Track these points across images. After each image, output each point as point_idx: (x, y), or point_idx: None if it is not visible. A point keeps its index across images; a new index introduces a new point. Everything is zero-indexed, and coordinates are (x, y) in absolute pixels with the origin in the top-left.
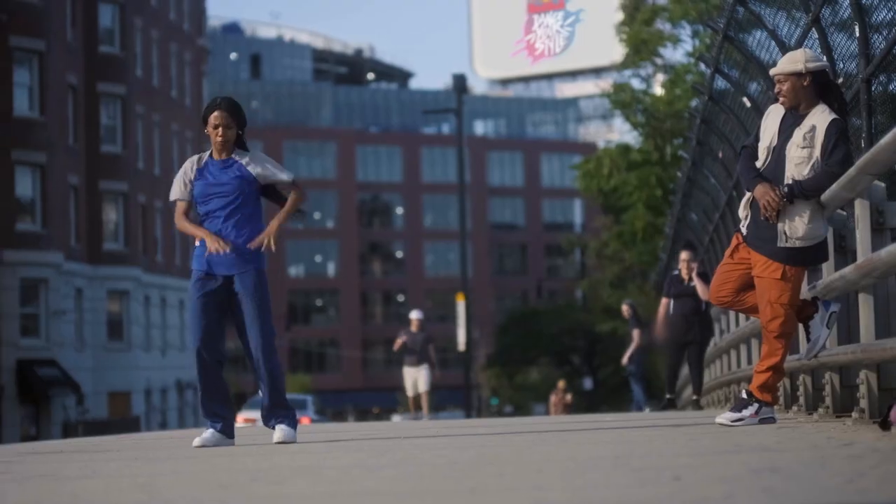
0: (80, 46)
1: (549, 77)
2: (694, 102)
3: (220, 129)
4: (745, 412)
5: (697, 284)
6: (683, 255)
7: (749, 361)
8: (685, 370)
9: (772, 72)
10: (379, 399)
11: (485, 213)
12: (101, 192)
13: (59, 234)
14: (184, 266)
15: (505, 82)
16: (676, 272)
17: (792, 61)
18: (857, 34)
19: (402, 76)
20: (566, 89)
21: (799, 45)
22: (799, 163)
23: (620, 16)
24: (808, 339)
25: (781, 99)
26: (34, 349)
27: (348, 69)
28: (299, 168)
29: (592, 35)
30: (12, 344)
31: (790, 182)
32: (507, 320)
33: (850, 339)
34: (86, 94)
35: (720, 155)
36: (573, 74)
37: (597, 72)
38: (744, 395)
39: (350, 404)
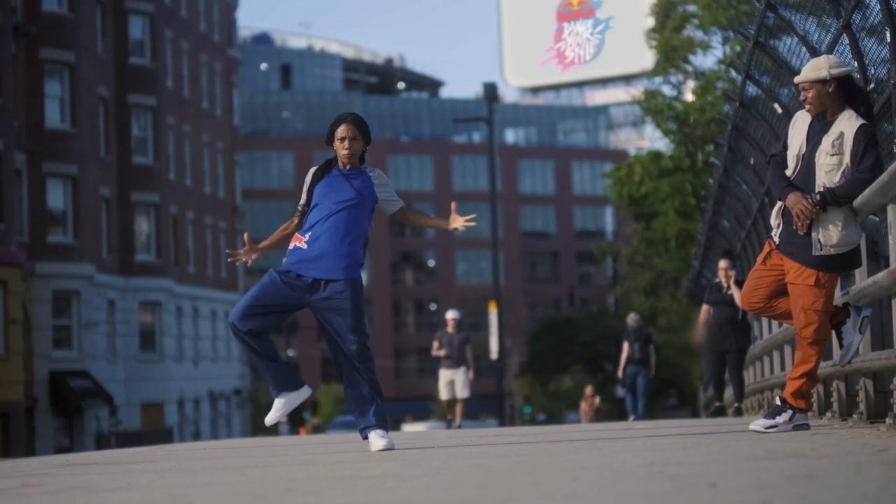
0: (110, 58)
1: (580, 85)
2: (725, 109)
3: (347, 141)
4: (779, 419)
5: (735, 292)
6: (722, 263)
7: (782, 368)
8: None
9: (796, 79)
10: (412, 408)
11: (516, 221)
12: (132, 204)
13: (90, 246)
14: (216, 277)
15: (535, 90)
16: (717, 280)
17: (816, 68)
18: (889, 39)
19: (432, 85)
20: (597, 97)
21: (830, 50)
22: (829, 170)
23: (650, 22)
24: (841, 346)
25: (807, 106)
26: (67, 361)
27: (378, 79)
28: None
29: (622, 42)
30: (45, 356)
31: (822, 190)
32: (539, 328)
33: (884, 344)
34: (116, 106)
35: (752, 161)
36: (604, 82)
37: (627, 79)
38: (777, 402)
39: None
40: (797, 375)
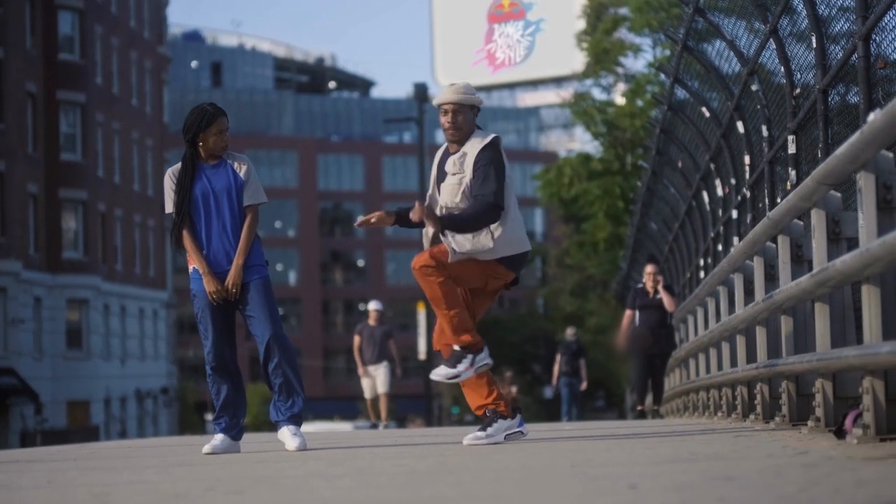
0: (39, 54)
1: (510, 86)
2: (654, 112)
3: (224, 133)
4: (461, 366)
5: (664, 297)
6: (649, 268)
7: (707, 370)
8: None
9: (451, 98)
10: (340, 408)
11: None
12: (60, 201)
13: (17, 243)
14: (144, 274)
15: None
16: (641, 285)
17: (467, 91)
18: (815, 45)
19: (363, 85)
20: (527, 98)
21: (757, 55)
22: (449, 190)
23: (582, 25)
24: (485, 431)
25: (452, 132)
26: None
27: (310, 78)
28: (261, 177)
29: (553, 44)
30: None
31: (443, 213)
32: None
33: (807, 348)
34: (45, 102)
35: (680, 164)
36: (534, 84)
37: (558, 81)
38: (456, 348)
39: (311, 413)
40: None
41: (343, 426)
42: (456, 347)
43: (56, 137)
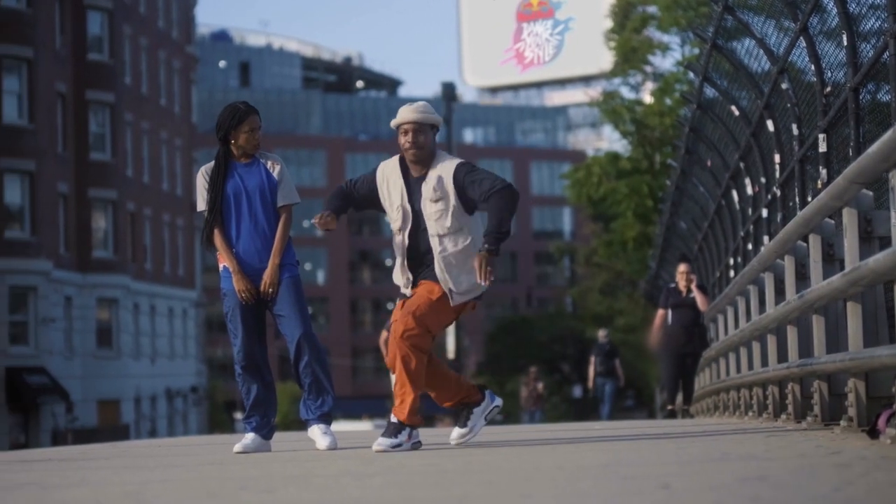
0: (68, 54)
1: (539, 85)
2: (683, 111)
3: (257, 132)
4: (402, 436)
5: (697, 296)
6: (681, 267)
7: (738, 370)
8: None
9: (412, 118)
10: (369, 407)
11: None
12: (90, 200)
13: (48, 242)
14: (173, 274)
15: (494, 90)
16: (673, 284)
17: (426, 111)
18: (846, 43)
19: (391, 84)
20: (555, 97)
21: (787, 53)
22: (438, 217)
23: (610, 24)
24: (466, 425)
25: (414, 152)
26: (23, 357)
27: (337, 77)
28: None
29: (582, 43)
30: (1, 352)
31: (486, 237)
32: (496, 328)
33: (839, 347)
34: (75, 102)
35: (709, 163)
36: (562, 83)
37: (586, 80)
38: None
39: (339, 412)
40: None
41: (363, 425)
42: (396, 420)
43: (86, 137)
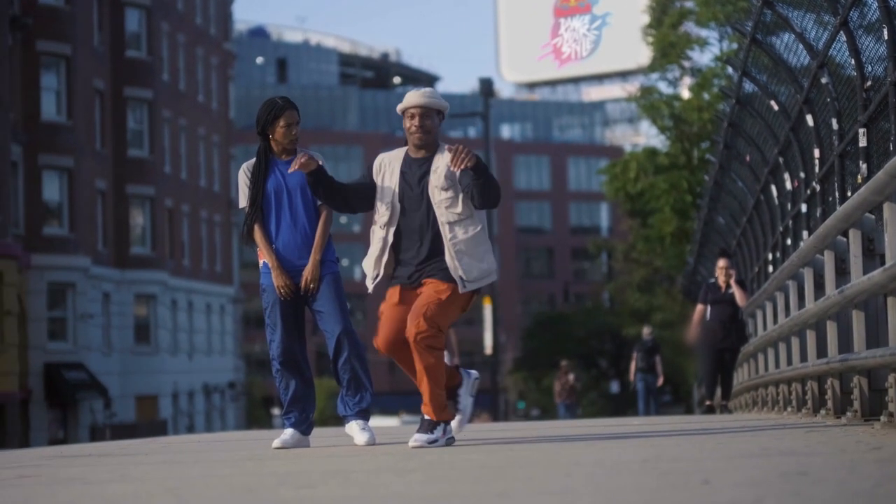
0: (106, 50)
1: (576, 81)
2: (721, 106)
3: (294, 127)
4: (437, 432)
5: (736, 291)
6: (721, 262)
7: (777, 365)
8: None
9: (419, 102)
10: (406, 403)
11: (511, 217)
12: (128, 197)
13: (86, 239)
14: (211, 270)
15: (531, 86)
16: (713, 280)
17: (433, 96)
18: (886, 37)
19: (428, 80)
20: (593, 93)
21: (827, 48)
22: (449, 205)
23: (647, 19)
24: (458, 410)
25: (420, 136)
26: (62, 353)
27: (374, 73)
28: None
29: (619, 38)
30: (40, 348)
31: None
32: (533, 324)
33: (879, 342)
34: (112, 99)
35: (748, 158)
36: (600, 78)
37: (623, 75)
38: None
39: (377, 408)
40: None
41: (390, 421)
42: (429, 418)
43: (123, 134)
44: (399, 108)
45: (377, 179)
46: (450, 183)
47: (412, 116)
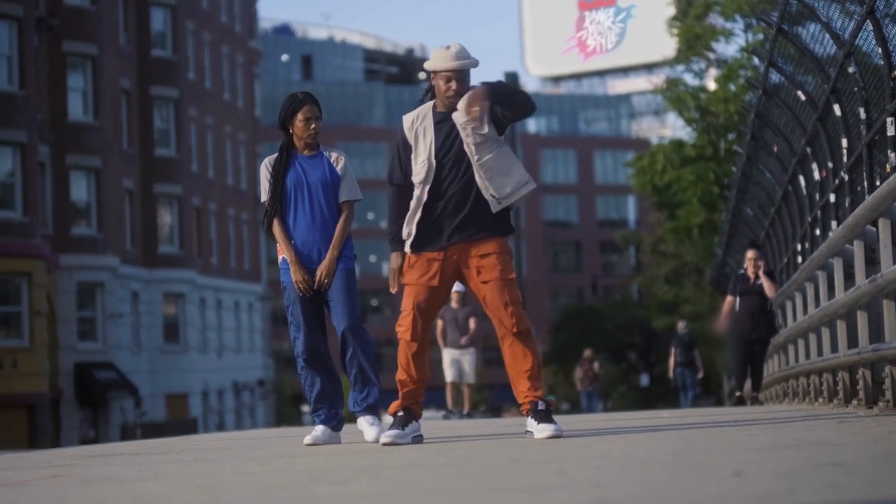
0: (132, 50)
1: (601, 74)
2: (748, 97)
3: (314, 122)
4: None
5: (764, 282)
6: (749, 253)
7: (807, 356)
8: None
9: (453, 66)
10: (434, 398)
11: (539, 211)
12: (155, 196)
13: (114, 238)
14: (239, 268)
15: (557, 79)
16: (742, 271)
17: (465, 56)
18: None
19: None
20: (618, 86)
21: (854, 36)
22: (475, 125)
23: (672, 10)
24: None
25: (456, 99)
26: (91, 352)
27: (400, 69)
28: (352, 169)
29: (644, 31)
30: (70, 347)
31: (485, 86)
32: (562, 317)
33: None
34: (139, 98)
35: (775, 149)
36: (625, 71)
37: (649, 67)
38: (542, 407)
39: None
40: (537, 374)
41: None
42: (544, 406)
43: (150, 133)
44: (428, 66)
45: (409, 137)
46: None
47: (448, 80)
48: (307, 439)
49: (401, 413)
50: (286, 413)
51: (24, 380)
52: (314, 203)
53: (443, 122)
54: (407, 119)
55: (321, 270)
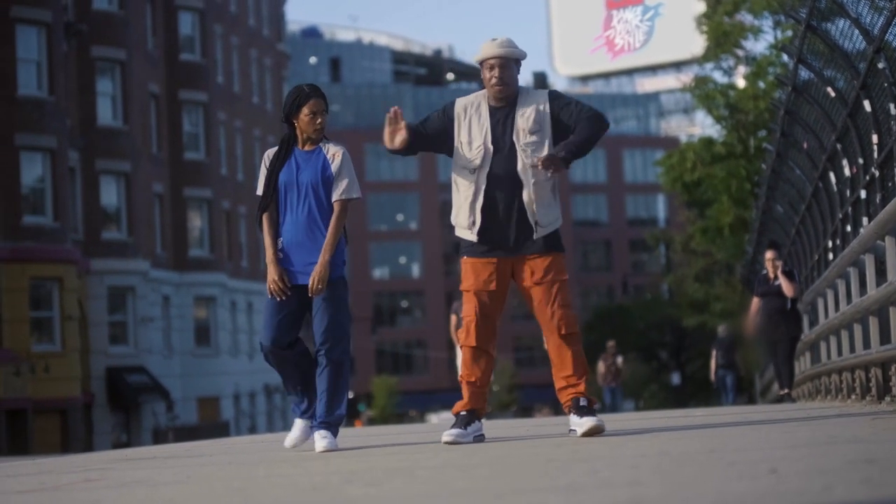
0: (160, 55)
1: (630, 72)
2: (777, 94)
3: (320, 116)
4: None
5: (782, 281)
6: (768, 254)
7: (839, 353)
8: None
9: (496, 53)
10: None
11: (568, 210)
12: (185, 199)
13: (144, 242)
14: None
15: (585, 79)
16: (764, 272)
17: (511, 45)
18: None
19: (481, 76)
20: (647, 84)
21: (883, 32)
22: (534, 149)
23: (700, 8)
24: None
25: (500, 88)
26: (123, 356)
27: (428, 70)
28: (381, 170)
29: (672, 29)
30: (101, 352)
31: (551, 153)
32: (592, 316)
33: None
34: (168, 102)
35: (805, 146)
36: (654, 69)
37: (677, 66)
38: (584, 403)
39: (438, 404)
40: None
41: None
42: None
43: (179, 137)
44: (476, 58)
45: (462, 123)
46: (538, 126)
47: (491, 68)
48: (287, 442)
49: (464, 413)
50: None
51: (56, 385)
52: (304, 202)
53: (495, 114)
54: (460, 101)
55: (314, 277)
